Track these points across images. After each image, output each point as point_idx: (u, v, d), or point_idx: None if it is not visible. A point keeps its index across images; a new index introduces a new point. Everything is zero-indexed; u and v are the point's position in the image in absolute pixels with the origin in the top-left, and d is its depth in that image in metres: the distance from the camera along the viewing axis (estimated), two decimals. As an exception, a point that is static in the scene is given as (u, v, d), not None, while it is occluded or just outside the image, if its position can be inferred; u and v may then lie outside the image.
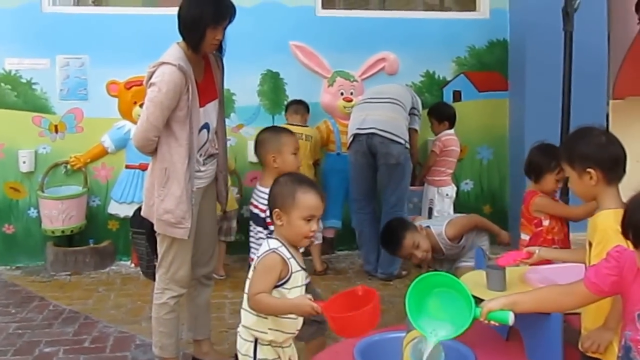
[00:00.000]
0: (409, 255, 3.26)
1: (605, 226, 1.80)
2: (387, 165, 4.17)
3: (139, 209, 2.91)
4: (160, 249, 2.79)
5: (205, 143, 2.81)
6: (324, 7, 4.89)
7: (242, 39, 4.53)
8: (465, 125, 4.85)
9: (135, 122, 4.46)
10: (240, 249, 4.79)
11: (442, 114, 4.60)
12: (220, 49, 2.82)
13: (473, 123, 4.95)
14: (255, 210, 2.74)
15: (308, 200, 1.95)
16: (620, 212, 1.77)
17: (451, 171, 4.63)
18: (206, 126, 2.80)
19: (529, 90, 4.75)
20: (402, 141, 4.14)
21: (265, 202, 2.63)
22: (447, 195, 4.57)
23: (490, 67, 5.02)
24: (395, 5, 5.88)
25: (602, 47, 4.63)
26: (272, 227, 2.70)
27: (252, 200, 2.79)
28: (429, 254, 3.21)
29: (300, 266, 1.99)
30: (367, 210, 4.38)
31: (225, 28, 2.68)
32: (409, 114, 4.32)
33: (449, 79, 5.02)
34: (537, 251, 2.38)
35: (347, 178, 4.68)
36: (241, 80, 4.61)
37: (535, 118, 4.59)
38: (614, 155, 1.91)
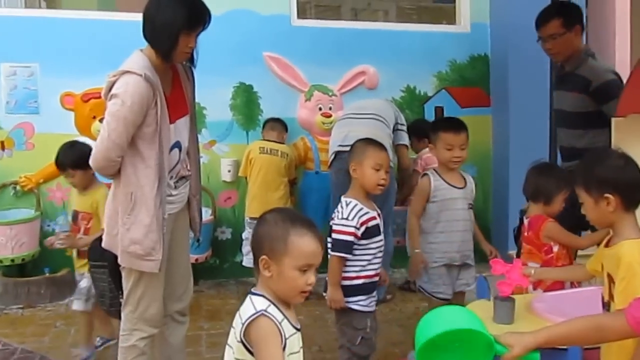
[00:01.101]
0: None
1: (631, 259, 1.68)
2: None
3: (99, 239, 2.54)
4: (126, 285, 2.46)
5: (176, 164, 2.49)
6: (299, 16, 4.60)
7: (212, 49, 4.13)
8: (447, 142, 4.63)
9: (95, 139, 4.10)
10: (215, 274, 4.48)
11: (422, 131, 4.36)
12: (191, 58, 2.51)
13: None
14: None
15: (305, 245, 1.56)
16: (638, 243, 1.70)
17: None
18: (177, 145, 2.48)
19: (513, 106, 4.62)
20: (387, 160, 3.88)
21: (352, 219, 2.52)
22: None
23: (472, 82, 4.84)
24: (370, 16, 5.65)
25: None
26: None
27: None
28: None
29: (295, 327, 1.61)
30: None
31: (198, 35, 2.38)
32: (395, 130, 4.07)
33: (430, 94, 4.81)
34: (532, 272, 2.28)
35: (325, 197, 4.42)
36: (212, 94, 4.29)
37: (520, 134, 4.50)
38: (634, 179, 1.77)
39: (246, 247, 4.19)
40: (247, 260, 4.21)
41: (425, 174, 3.04)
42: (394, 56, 4.64)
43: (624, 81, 3.14)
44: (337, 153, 3.91)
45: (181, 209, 2.59)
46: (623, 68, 4.97)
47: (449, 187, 2.96)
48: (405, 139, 4.18)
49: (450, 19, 5.04)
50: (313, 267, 1.58)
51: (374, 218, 2.55)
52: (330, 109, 4.55)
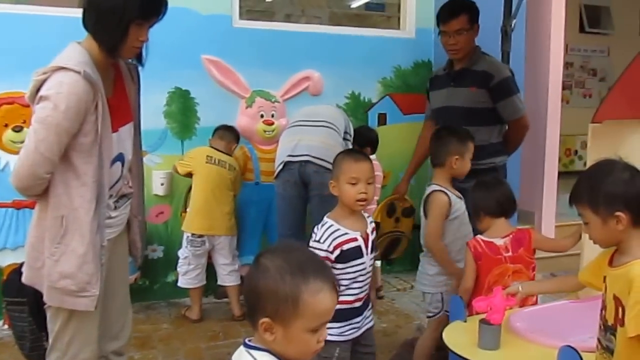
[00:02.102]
0: None
1: None
2: (321, 196, 3.68)
3: (15, 271, 2.19)
4: (52, 326, 2.10)
5: (118, 180, 2.17)
6: (242, 17, 4.31)
7: (149, 49, 3.92)
8: (390, 149, 4.53)
9: (7, 150, 3.71)
10: (144, 296, 4.14)
11: (364, 139, 4.22)
12: (139, 56, 2.19)
13: (397, 147, 4.61)
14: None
15: (320, 304, 1.29)
16: None
17: (377, 198, 4.28)
18: (120, 158, 2.15)
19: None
20: (338, 170, 3.70)
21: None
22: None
23: (415, 89, 4.73)
24: (316, 20, 5.46)
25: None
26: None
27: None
28: None
29: None
30: None
31: (151, 26, 2.08)
32: (343, 139, 3.90)
33: (374, 100, 4.66)
34: (520, 288, 2.19)
35: (265, 209, 4.28)
36: (144, 100, 3.82)
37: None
38: None
39: (183, 267, 3.89)
40: (184, 281, 3.89)
41: (438, 190, 2.82)
42: (339, 61, 4.46)
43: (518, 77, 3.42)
44: (286, 163, 3.69)
45: (120, 232, 2.26)
46: (556, 72, 5.12)
47: (458, 199, 2.86)
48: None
49: (382, 25, 4.96)
50: (327, 322, 1.34)
51: (353, 240, 2.32)
52: (272, 116, 4.31)
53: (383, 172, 4.34)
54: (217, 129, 4.04)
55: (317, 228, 2.35)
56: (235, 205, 4.01)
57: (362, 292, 2.40)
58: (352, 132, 3.99)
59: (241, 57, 4.19)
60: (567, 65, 8.91)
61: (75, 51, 1.98)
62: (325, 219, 2.38)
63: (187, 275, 3.87)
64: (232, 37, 4.19)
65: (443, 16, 3.31)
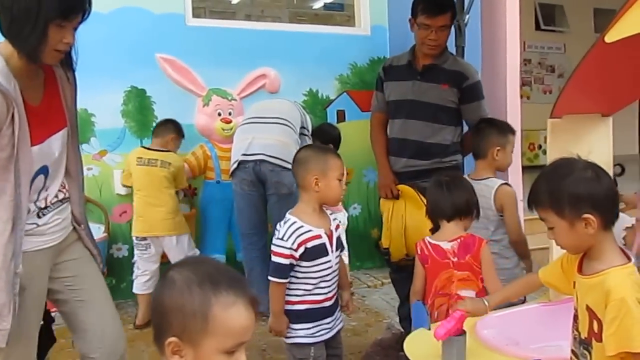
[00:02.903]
0: None
1: (623, 294, 1.40)
2: (279, 195, 3.67)
3: None
4: None
5: (42, 189, 1.96)
6: (195, 15, 4.30)
7: (100, 50, 3.89)
8: (351, 146, 4.51)
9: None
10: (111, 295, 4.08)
11: (327, 136, 4.23)
12: (68, 60, 1.96)
13: (358, 144, 4.60)
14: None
15: (234, 319, 1.13)
16: (632, 269, 1.43)
17: (342, 197, 4.30)
18: (43, 170, 1.94)
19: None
20: (294, 168, 3.69)
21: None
22: (339, 222, 4.23)
23: (372, 85, 4.64)
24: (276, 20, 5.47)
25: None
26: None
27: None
28: None
29: None
30: (258, 246, 3.84)
31: (77, 27, 1.84)
32: (300, 134, 3.89)
33: (332, 97, 4.68)
34: (486, 303, 1.96)
35: (229, 208, 4.21)
36: (101, 99, 3.93)
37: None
38: (611, 191, 1.50)
39: (134, 272, 3.81)
40: (134, 286, 3.80)
41: (505, 183, 2.84)
42: (295, 59, 4.47)
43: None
44: (240, 162, 3.67)
45: (69, 240, 2.08)
46: (513, 67, 5.20)
47: None
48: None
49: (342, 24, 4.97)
50: (244, 344, 1.16)
51: (317, 237, 2.27)
52: (230, 114, 4.29)
53: (346, 170, 4.34)
54: (155, 126, 3.97)
55: (280, 225, 2.30)
56: (176, 202, 3.87)
57: (331, 290, 2.36)
58: (309, 126, 3.97)
59: (196, 56, 4.18)
60: (526, 61, 9.09)
61: None
62: (288, 215, 2.32)
63: (137, 280, 3.79)
64: (186, 35, 4.18)
65: (431, 11, 3.16)
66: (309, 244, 2.24)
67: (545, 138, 9.20)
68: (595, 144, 2.41)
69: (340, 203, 4.26)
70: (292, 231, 2.24)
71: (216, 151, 4.26)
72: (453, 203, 2.42)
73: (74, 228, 2.10)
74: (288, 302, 2.31)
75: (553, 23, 9.40)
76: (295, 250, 2.23)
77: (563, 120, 2.43)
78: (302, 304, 2.31)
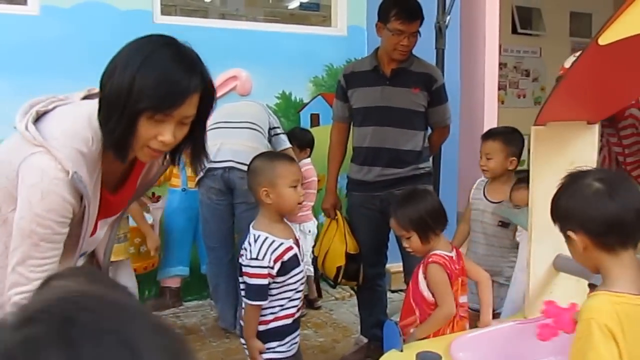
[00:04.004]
0: None
1: (593, 316, 1.34)
2: (248, 204, 3.47)
3: None
4: None
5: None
6: (163, 13, 4.09)
7: (58, 48, 3.70)
8: (325, 151, 4.34)
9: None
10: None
11: (304, 141, 4.07)
12: (172, 156, 1.63)
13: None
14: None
15: None
16: (623, 300, 1.35)
17: (312, 204, 4.15)
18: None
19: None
20: (265, 175, 3.52)
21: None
22: (309, 231, 4.09)
23: (349, 88, 4.61)
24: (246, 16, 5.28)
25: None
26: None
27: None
28: None
29: None
30: (224, 261, 3.65)
31: (185, 123, 1.46)
32: (273, 135, 3.73)
33: (306, 100, 4.51)
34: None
35: (195, 217, 4.01)
36: None
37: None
38: (612, 213, 1.39)
39: None
40: None
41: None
42: (268, 59, 4.30)
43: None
44: (207, 170, 3.48)
45: None
46: (491, 70, 5.13)
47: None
48: (287, 142, 3.83)
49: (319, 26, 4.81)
50: None
51: (289, 249, 2.15)
52: (199, 116, 4.09)
53: (318, 176, 4.19)
54: None
55: (249, 244, 2.15)
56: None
57: (300, 300, 2.26)
58: (279, 124, 3.83)
59: (164, 55, 3.96)
60: (501, 65, 9.00)
61: (80, 125, 1.44)
62: (254, 231, 2.17)
63: None
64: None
65: (406, 17, 3.05)
66: (285, 258, 2.14)
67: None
68: (580, 152, 2.28)
69: (310, 211, 4.12)
70: (266, 248, 2.12)
71: (183, 157, 4.03)
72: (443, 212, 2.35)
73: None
74: (262, 322, 2.17)
75: (530, 26, 9.35)
76: (272, 267, 2.11)
77: (547, 127, 2.32)
78: (276, 321, 2.19)
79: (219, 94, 4.29)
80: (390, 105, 3.15)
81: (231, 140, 3.49)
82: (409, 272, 3.08)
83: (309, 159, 4.13)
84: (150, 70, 1.38)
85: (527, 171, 2.79)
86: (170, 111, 1.40)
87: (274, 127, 3.74)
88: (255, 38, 4.31)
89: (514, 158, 2.85)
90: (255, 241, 2.12)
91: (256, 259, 2.10)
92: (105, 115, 1.41)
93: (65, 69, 3.69)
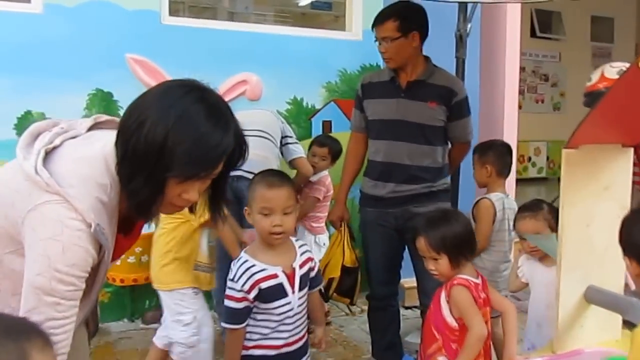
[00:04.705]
0: None
1: None
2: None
3: None
4: None
5: None
6: (172, 13, 3.93)
7: (62, 47, 3.57)
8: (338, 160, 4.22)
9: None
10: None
11: (337, 149, 3.88)
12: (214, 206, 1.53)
13: (343, 158, 4.31)
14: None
15: None
16: None
17: (324, 215, 3.99)
18: None
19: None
20: (274, 186, 3.36)
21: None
22: (323, 244, 3.92)
23: (363, 94, 4.44)
24: (247, 20, 5.11)
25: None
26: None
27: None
28: None
29: None
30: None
31: (205, 183, 1.40)
32: (284, 145, 3.59)
33: (318, 106, 4.34)
34: None
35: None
36: (61, 102, 3.56)
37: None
38: None
39: None
40: None
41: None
42: (279, 63, 4.12)
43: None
44: (215, 179, 3.34)
45: None
46: (512, 78, 4.95)
47: None
48: (300, 151, 3.68)
49: (329, 27, 4.66)
50: None
51: (273, 277, 2.00)
52: (206, 123, 3.94)
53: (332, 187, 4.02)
54: None
55: (233, 263, 2.04)
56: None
57: (292, 335, 2.07)
58: (292, 134, 3.70)
59: (170, 57, 3.80)
60: (520, 69, 8.83)
61: (98, 171, 1.31)
62: (241, 253, 2.07)
63: None
64: (160, 35, 3.81)
65: (375, 21, 3.00)
66: (263, 285, 1.99)
67: (535, 150, 9.00)
68: (614, 177, 2.12)
69: (323, 223, 3.95)
70: (242, 271, 2.00)
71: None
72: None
73: None
74: (243, 347, 2.05)
75: (549, 30, 9.14)
76: (248, 292, 1.98)
77: (579, 151, 2.16)
78: (257, 349, 2.05)
79: (227, 98, 4.17)
80: (405, 119, 2.97)
81: None
82: (424, 293, 2.96)
83: (326, 171, 3.96)
84: (184, 133, 1.27)
85: (538, 200, 2.70)
86: (203, 177, 1.34)
87: (286, 136, 3.61)
88: (266, 41, 4.14)
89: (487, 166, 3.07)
90: (237, 262, 2.03)
91: (232, 280, 2.00)
92: (129, 173, 1.29)
93: (69, 69, 3.57)
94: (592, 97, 3.11)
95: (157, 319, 3.85)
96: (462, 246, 2.13)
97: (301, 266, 2.08)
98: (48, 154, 1.33)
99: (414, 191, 2.98)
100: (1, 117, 3.43)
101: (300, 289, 2.06)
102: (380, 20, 2.96)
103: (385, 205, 3.02)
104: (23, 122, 3.51)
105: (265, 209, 1.99)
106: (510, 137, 4.89)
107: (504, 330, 2.16)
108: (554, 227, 2.49)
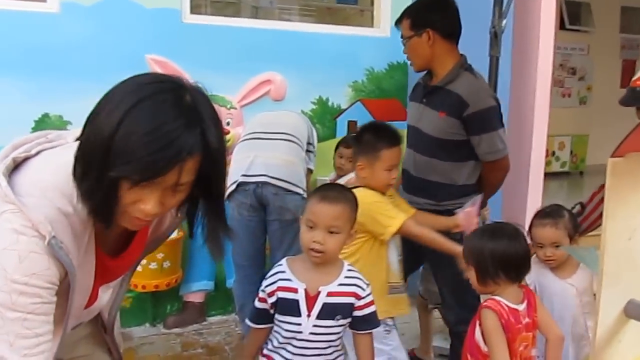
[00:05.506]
0: None
1: None
2: (282, 221, 3.22)
3: None
4: None
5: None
6: (193, 11, 3.78)
7: (80, 49, 3.44)
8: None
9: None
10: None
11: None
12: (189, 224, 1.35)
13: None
14: None
15: None
16: None
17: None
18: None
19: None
20: (301, 191, 3.21)
21: None
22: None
23: (390, 93, 4.28)
24: (271, 16, 4.96)
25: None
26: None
27: None
28: None
29: None
30: (253, 280, 3.32)
31: (175, 192, 1.20)
32: (305, 151, 3.44)
33: (344, 106, 4.19)
34: None
35: None
36: (79, 105, 3.23)
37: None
38: None
39: None
40: None
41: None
42: (304, 62, 3.97)
43: (502, 105, 2.72)
44: (239, 184, 3.20)
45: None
46: (544, 73, 4.75)
47: None
48: (312, 163, 3.55)
49: (355, 21, 4.46)
50: None
51: (292, 290, 1.90)
52: (228, 124, 3.80)
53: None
54: None
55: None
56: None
57: None
58: (315, 142, 3.55)
59: (192, 57, 3.66)
60: (549, 64, 8.60)
61: (61, 176, 1.17)
62: (284, 259, 2.01)
63: None
64: (181, 34, 3.67)
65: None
66: (281, 294, 1.93)
67: (560, 144, 8.72)
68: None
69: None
70: (272, 273, 1.98)
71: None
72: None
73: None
74: (260, 352, 2.03)
75: (579, 22, 8.87)
76: (269, 295, 1.95)
77: (625, 159, 2.00)
78: (264, 358, 2.02)
79: (250, 98, 4.07)
80: (418, 127, 2.76)
81: (265, 153, 3.22)
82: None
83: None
84: (136, 123, 1.10)
85: (558, 206, 2.51)
86: (152, 180, 1.13)
87: (310, 144, 3.48)
88: (290, 38, 3.99)
89: None
90: (276, 265, 2.02)
91: (265, 278, 2.00)
92: (81, 172, 1.14)
93: (86, 71, 3.44)
94: (630, 94, 2.80)
95: (180, 324, 3.78)
96: (488, 265, 2.01)
97: (333, 294, 1.92)
98: (20, 163, 1.21)
99: (417, 205, 2.73)
100: (18, 120, 3.31)
101: (321, 317, 1.90)
102: (398, 18, 2.81)
103: None
104: (40, 125, 3.41)
105: (310, 222, 1.90)
106: (540, 133, 4.72)
107: (546, 357, 2.07)
108: (572, 236, 2.38)
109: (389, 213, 2.41)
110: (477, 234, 2.12)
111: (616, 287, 1.88)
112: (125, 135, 1.09)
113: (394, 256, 2.52)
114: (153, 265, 3.59)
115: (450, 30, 2.77)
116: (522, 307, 2.02)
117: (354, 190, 2.30)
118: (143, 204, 1.16)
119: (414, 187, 2.80)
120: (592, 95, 9.31)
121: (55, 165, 1.20)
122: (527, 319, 2.02)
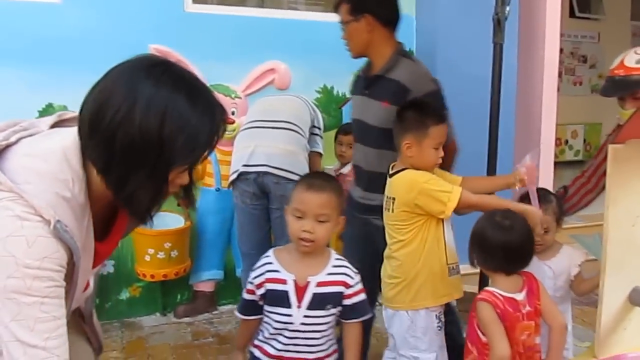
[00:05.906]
0: None
1: None
2: (282, 210, 3.21)
3: None
4: None
5: None
6: (195, 0, 3.79)
7: (83, 40, 3.46)
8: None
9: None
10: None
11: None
12: (186, 195, 1.41)
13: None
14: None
15: None
16: None
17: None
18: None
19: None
20: (302, 180, 3.21)
21: None
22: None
23: (395, 81, 4.25)
24: (277, 4, 4.93)
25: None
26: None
27: None
28: None
29: None
30: None
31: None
32: (311, 134, 3.43)
33: (349, 95, 4.14)
34: None
35: (229, 219, 3.78)
36: (84, 94, 3.41)
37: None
38: None
39: None
40: None
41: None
42: (308, 50, 3.96)
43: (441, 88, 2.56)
44: (240, 173, 3.20)
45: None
46: (551, 61, 4.70)
47: None
48: (319, 146, 3.52)
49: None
50: None
51: (281, 282, 1.89)
52: (233, 113, 3.79)
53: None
54: None
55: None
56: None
57: (288, 351, 1.93)
58: (321, 124, 3.53)
59: (195, 47, 3.66)
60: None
61: (55, 164, 1.20)
62: (271, 249, 2.00)
63: None
64: (184, 23, 3.68)
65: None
66: (270, 286, 1.91)
67: (573, 133, 8.62)
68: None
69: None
70: (260, 264, 1.96)
71: (216, 155, 3.77)
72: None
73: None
74: (251, 343, 2.04)
75: (589, 10, 8.78)
76: (257, 287, 1.94)
77: (626, 146, 2.01)
78: (257, 349, 2.00)
79: (254, 88, 4.05)
80: (363, 120, 2.65)
81: (266, 142, 3.21)
82: None
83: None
84: (176, 121, 1.20)
85: (546, 190, 2.48)
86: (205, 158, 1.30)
87: (314, 126, 3.46)
88: (295, 27, 3.98)
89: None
90: (263, 256, 2.00)
91: (252, 270, 1.98)
92: (122, 175, 1.19)
93: (89, 61, 3.37)
94: (609, 84, 2.70)
95: (191, 314, 3.79)
96: (482, 253, 2.02)
97: (322, 284, 1.91)
98: (2, 151, 1.21)
99: (372, 202, 2.60)
100: (22, 110, 3.32)
101: (311, 308, 1.89)
102: (337, 3, 2.66)
103: (357, 210, 2.71)
104: (44, 115, 3.39)
105: (297, 211, 1.88)
106: (548, 121, 4.67)
107: (548, 345, 2.03)
108: (559, 220, 2.39)
109: (444, 188, 2.25)
110: (480, 221, 2.08)
111: (620, 274, 1.87)
112: (172, 136, 1.18)
113: (450, 234, 2.37)
114: (161, 255, 3.61)
115: (390, 17, 2.66)
116: (520, 296, 1.99)
117: (402, 174, 2.28)
118: (180, 179, 1.28)
119: (368, 183, 2.66)
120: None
121: (43, 152, 1.22)
122: (527, 307, 1.99)
